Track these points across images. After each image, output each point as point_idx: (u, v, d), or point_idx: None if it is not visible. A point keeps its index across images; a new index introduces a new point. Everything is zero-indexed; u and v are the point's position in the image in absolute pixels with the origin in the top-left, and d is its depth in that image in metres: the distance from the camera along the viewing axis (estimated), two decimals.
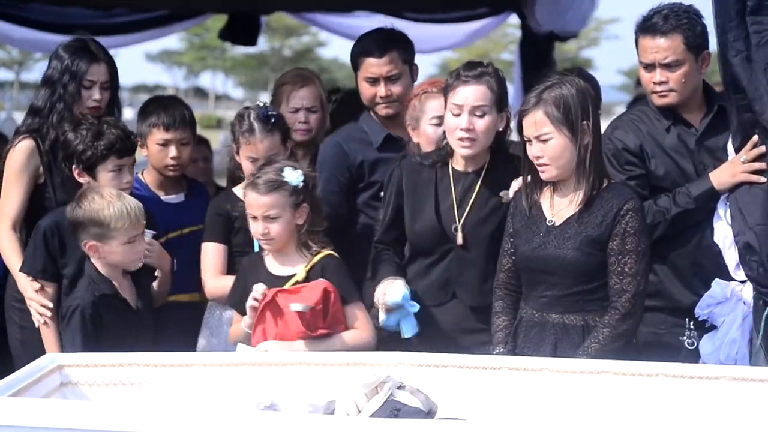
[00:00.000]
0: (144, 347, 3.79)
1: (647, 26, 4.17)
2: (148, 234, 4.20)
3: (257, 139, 4.32)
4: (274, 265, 4.04)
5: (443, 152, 4.13)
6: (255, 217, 3.97)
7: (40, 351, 3.94)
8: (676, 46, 4.12)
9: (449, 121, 4.01)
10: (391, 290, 3.98)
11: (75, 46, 4.59)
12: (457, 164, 4.12)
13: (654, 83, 4.19)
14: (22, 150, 4.51)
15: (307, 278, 3.95)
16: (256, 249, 4.23)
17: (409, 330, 4.00)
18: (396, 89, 4.62)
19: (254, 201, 3.96)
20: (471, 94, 3.96)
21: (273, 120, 4.34)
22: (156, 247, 4.29)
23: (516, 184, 3.98)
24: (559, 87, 3.74)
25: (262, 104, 4.44)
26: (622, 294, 3.71)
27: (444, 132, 4.10)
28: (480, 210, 4.07)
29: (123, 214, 3.91)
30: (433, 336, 4.04)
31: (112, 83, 4.63)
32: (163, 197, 4.76)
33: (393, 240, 4.21)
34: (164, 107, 4.77)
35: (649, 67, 4.19)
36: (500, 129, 4.07)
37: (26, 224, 4.53)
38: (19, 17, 8.41)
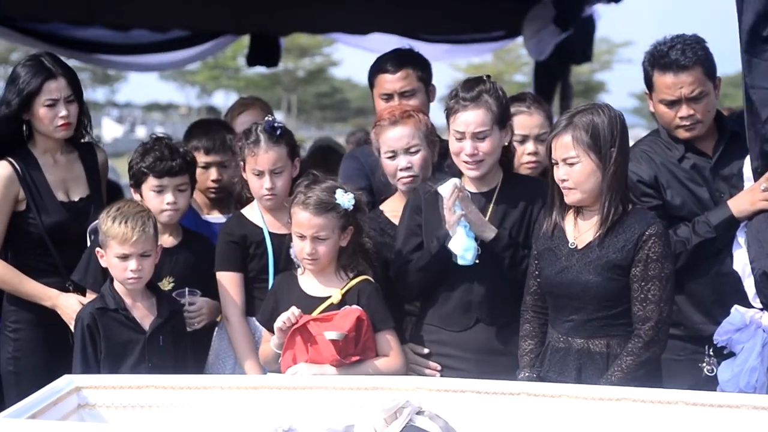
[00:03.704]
0: (156, 373, 3.77)
1: (666, 63, 4.13)
2: (195, 294, 4.23)
3: (262, 149, 4.20)
4: (309, 286, 4.01)
5: (457, 175, 4.09)
6: (302, 236, 3.94)
7: (33, 383, 3.82)
8: (700, 78, 4.12)
9: (453, 144, 4.03)
10: (445, 187, 3.92)
11: (29, 64, 4.43)
12: (470, 186, 4.10)
13: (681, 118, 4.16)
14: (0, 180, 4.40)
15: (343, 302, 3.93)
16: (271, 275, 4.20)
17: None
18: (411, 105, 4.57)
19: (305, 221, 3.92)
20: (471, 119, 3.97)
21: (279, 132, 4.24)
22: (204, 307, 4.26)
23: (451, 182, 3.92)
24: (590, 113, 3.74)
25: (270, 118, 4.33)
26: (646, 321, 3.69)
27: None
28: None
29: (116, 230, 3.95)
30: (461, 362, 4.01)
31: (76, 95, 4.47)
32: (204, 215, 4.79)
33: (414, 248, 4.14)
34: (206, 131, 4.83)
35: (674, 103, 4.16)
36: (506, 143, 4.07)
37: (12, 254, 4.49)
38: (39, 34, 8.46)
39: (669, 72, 4.13)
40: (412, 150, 4.24)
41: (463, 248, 3.90)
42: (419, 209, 4.13)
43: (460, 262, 3.93)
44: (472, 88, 4.02)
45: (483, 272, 3.99)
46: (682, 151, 4.23)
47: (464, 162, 4.01)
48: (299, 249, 3.96)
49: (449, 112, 4.04)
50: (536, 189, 4.08)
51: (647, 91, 4.28)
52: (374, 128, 4.37)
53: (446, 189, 3.92)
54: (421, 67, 4.75)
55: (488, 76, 4.10)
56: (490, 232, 3.98)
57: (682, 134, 4.21)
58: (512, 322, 4.01)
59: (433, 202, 4.06)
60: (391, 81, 4.66)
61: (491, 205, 4.06)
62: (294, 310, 3.86)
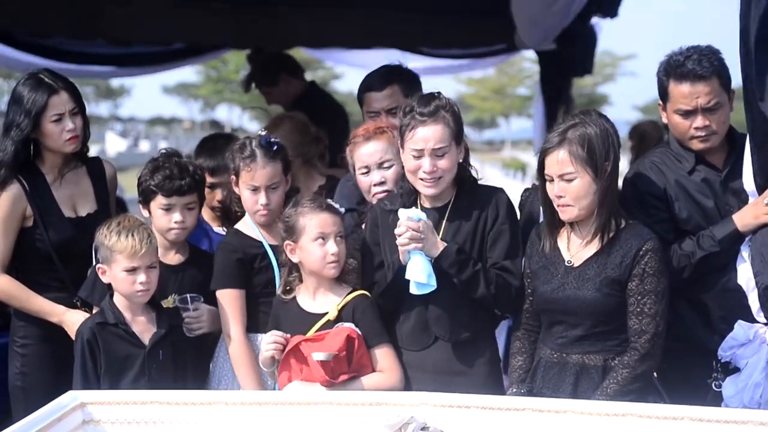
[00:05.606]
0: (156, 387, 3.78)
1: (682, 72, 4.11)
2: (197, 300, 4.22)
3: (259, 165, 4.19)
4: (306, 303, 4.03)
5: (410, 193, 4.05)
6: (324, 237, 3.96)
7: (41, 398, 3.81)
8: (717, 89, 4.10)
9: (410, 163, 3.95)
10: (406, 214, 3.89)
11: (30, 83, 4.44)
12: (425, 202, 4.05)
13: (696, 128, 4.13)
14: (8, 197, 4.42)
15: (339, 318, 3.93)
16: (278, 287, 4.17)
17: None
18: (397, 122, 4.59)
19: (332, 220, 3.99)
20: (430, 135, 3.90)
21: (275, 147, 4.24)
22: (204, 314, 4.24)
23: (403, 213, 3.89)
24: (583, 126, 3.75)
25: (263, 133, 4.32)
26: (642, 335, 3.72)
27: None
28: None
29: (123, 244, 3.97)
30: (418, 383, 3.94)
31: (79, 107, 4.49)
32: (216, 228, 4.78)
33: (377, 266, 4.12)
34: (212, 151, 4.83)
35: (690, 113, 4.13)
36: (460, 160, 4.02)
37: (19, 269, 4.50)
38: (40, 49, 8.50)
39: (686, 81, 4.11)
40: (386, 165, 4.24)
41: (426, 274, 3.85)
42: (376, 226, 4.10)
43: (418, 291, 3.88)
44: (428, 103, 3.94)
45: (437, 289, 3.92)
46: (692, 163, 4.21)
47: (421, 180, 3.94)
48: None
49: (405, 129, 3.95)
50: (489, 197, 4.03)
51: (660, 102, 4.25)
52: (348, 146, 4.35)
53: (401, 220, 3.88)
54: (408, 83, 4.75)
55: (439, 93, 4.03)
56: (436, 250, 3.90)
57: (696, 145, 4.18)
58: (472, 339, 3.99)
59: (391, 222, 4.03)
60: (378, 99, 4.69)
61: (444, 222, 4.01)
62: (276, 333, 3.90)
